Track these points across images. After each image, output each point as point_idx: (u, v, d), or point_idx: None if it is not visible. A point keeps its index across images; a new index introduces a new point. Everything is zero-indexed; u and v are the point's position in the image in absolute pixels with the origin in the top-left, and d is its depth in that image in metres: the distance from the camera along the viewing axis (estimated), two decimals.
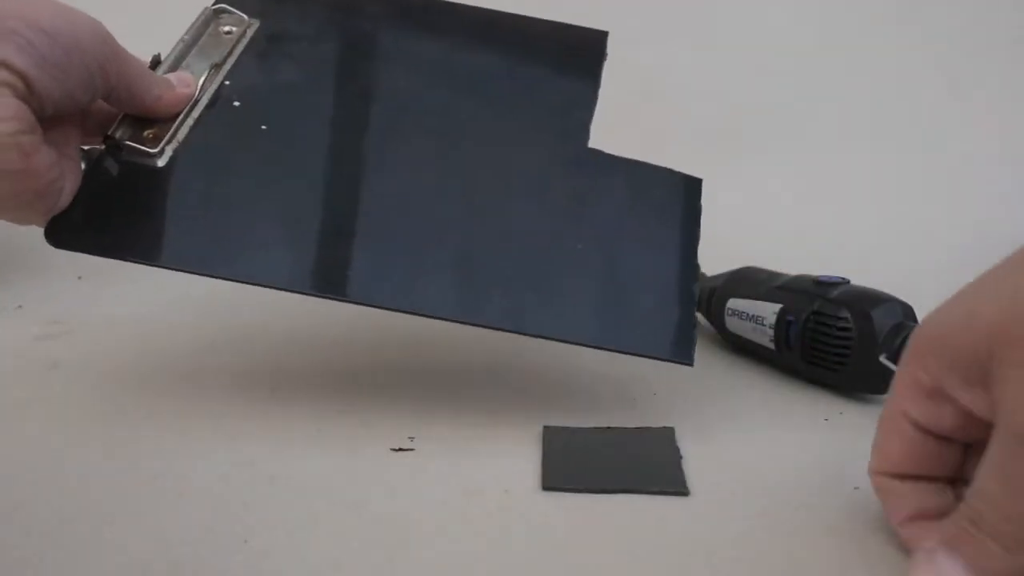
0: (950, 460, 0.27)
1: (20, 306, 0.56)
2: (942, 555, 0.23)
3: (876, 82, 0.84)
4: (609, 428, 0.38)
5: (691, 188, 0.40)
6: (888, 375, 0.39)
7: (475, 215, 0.37)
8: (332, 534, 0.30)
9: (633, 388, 0.43)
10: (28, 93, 0.30)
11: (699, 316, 0.53)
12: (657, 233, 0.39)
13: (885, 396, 0.41)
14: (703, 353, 0.49)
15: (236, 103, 0.38)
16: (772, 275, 0.47)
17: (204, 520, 0.31)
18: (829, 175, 0.79)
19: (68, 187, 0.34)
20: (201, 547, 0.29)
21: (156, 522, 0.30)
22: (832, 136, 0.82)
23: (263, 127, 0.38)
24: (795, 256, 0.52)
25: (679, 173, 0.40)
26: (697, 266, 0.39)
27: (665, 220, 0.39)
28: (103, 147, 0.36)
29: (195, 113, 0.37)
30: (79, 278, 0.61)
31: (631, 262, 0.37)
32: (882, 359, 0.38)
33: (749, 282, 0.47)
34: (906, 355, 0.26)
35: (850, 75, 0.84)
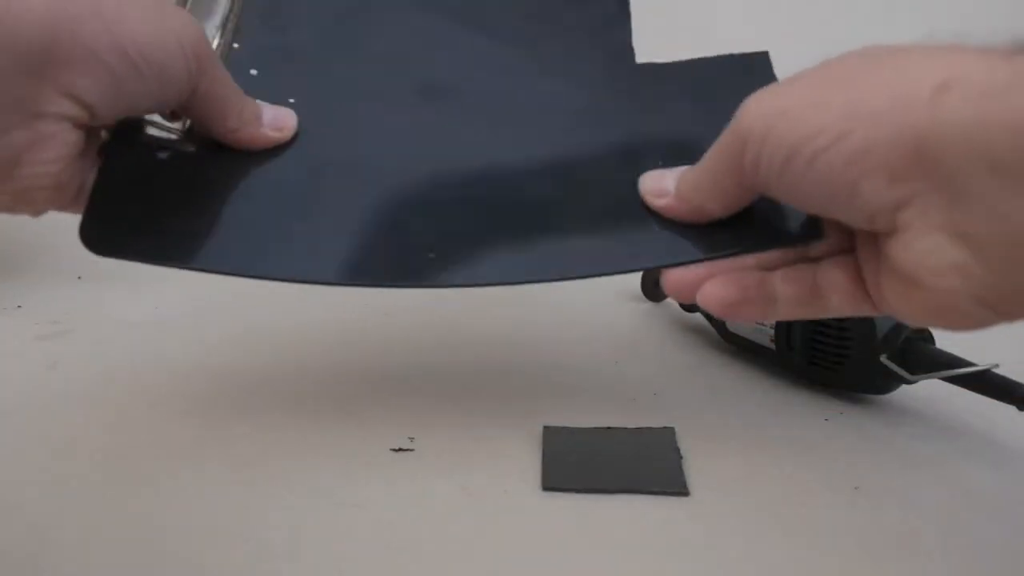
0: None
1: (20, 306, 0.56)
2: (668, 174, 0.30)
3: None
4: (609, 428, 0.38)
5: (759, 65, 0.37)
6: (889, 375, 0.39)
7: (547, 165, 0.34)
8: (332, 534, 0.30)
9: (633, 388, 0.43)
10: (89, 120, 0.27)
11: (699, 317, 0.53)
12: None
13: (885, 396, 0.41)
14: (703, 353, 0.49)
15: (253, 72, 0.35)
16: None
17: (204, 520, 0.31)
18: None
19: (90, 178, 0.30)
20: (201, 547, 0.29)
21: (155, 522, 0.30)
22: None
23: (291, 100, 0.34)
24: None
25: (740, 55, 0.37)
26: None
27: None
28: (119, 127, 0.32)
29: None
30: (79, 278, 0.61)
31: None
32: (882, 359, 0.38)
33: None
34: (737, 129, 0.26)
35: None
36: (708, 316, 0.50)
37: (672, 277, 0.29)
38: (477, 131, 0.35)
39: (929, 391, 0.40)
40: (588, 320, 0.55)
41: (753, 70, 0.36)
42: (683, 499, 0.32)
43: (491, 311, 0.54)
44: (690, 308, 0.54)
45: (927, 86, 0.21)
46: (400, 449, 0.36)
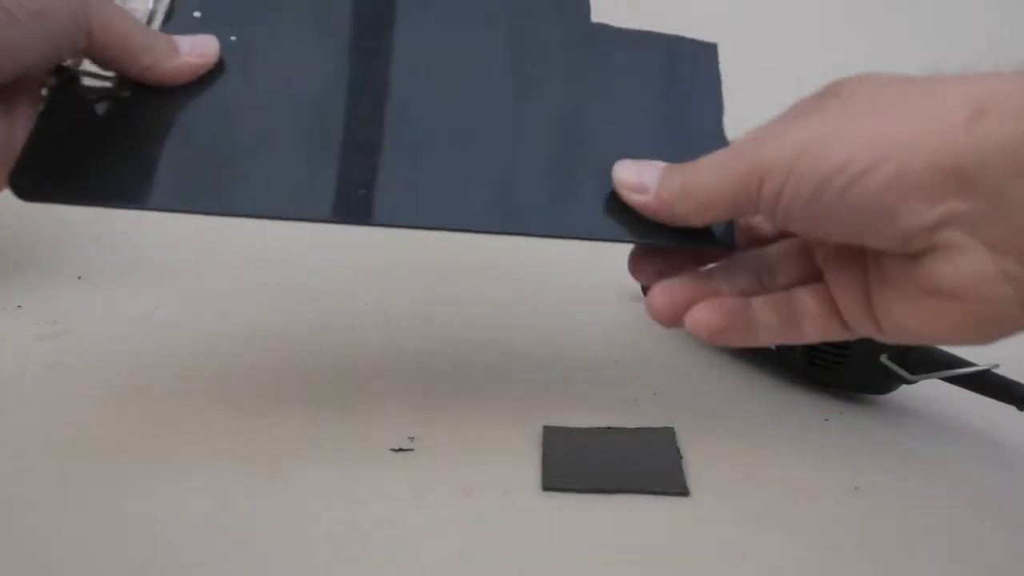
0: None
1: (20, 306, 0.56)
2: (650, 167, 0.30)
3: None
4: (609, 428, 0.38)
5: (706, 56, 0.37)
6: (889, 375, 0.39)
7: (494, 111, 0.34)
8: (332, 534, 0.30)
9: (633, 388, 0.43)
10: None
11: None
12: (678, 110, 0.35)
13: (885, 396, 0.41)
14: (703, 353, 0.49)
15: (196, 14, 0.34)
16: None
17: (204, 520, 0.31)
18: None
19: (21, 138, 0.29)
20: (201, 547, 0.29)
21: (155, 522, 0.30)
22: None
23: (232, 38, 0.34)
24: None
25: (689, 41, 0.37)
26: (725, 139, 0.35)
27: (684, 94, 0.36)
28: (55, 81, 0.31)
29: (155, 27, 0.33)
30: (79, 278, 0.61)
31: (651, 145, 0.33)
32: (882, 359, 0.38)
33: None
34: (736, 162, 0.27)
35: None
36: None
37: (658, 301, 0.30)
38: (422, 71, 0.35)
39: (929, 391, 0.40)
40: (588, 320, 0.55)
41: (699, 59, 0.37)
42: (683, 499, 0.32)
43: (491, 311, 0.54)
44: None
45: (962, 112, 0.22)
46: (400, 449, 0.36)
